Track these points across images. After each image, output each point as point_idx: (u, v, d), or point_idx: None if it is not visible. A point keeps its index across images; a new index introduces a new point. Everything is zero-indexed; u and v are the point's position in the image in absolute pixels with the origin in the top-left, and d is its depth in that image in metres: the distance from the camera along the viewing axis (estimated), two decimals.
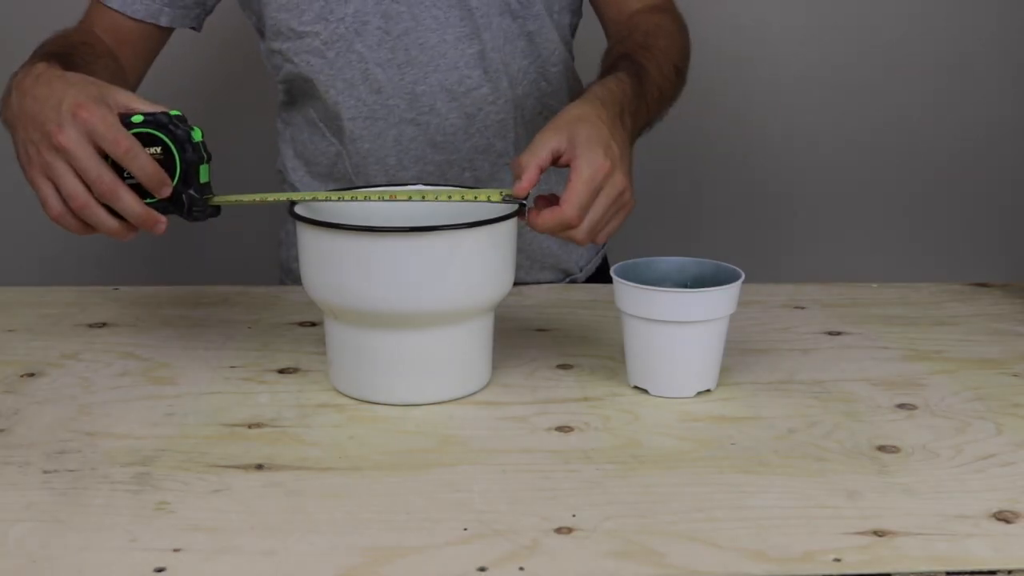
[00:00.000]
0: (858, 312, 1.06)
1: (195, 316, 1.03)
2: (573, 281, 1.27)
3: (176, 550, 0.62)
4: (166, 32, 1.16)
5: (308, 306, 1.06)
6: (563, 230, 0.86)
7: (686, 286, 0.86)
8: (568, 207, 0.85)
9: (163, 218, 0.86)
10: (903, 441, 0.77)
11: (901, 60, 1.76)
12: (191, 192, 0.86)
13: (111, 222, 0.85)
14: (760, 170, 1.80)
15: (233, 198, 0.89)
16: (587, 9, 1.22)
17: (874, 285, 1.14)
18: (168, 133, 0.84)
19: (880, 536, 0.64)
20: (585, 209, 0.86)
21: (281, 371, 0.90)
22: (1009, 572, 0.61)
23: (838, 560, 0.61)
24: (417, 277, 0.78)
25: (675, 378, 0.84)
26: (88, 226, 0.86)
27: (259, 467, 0.73)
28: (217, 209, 0.89)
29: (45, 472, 0.72)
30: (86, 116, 0.83)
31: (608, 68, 1.08)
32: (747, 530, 0.65)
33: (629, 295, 0.83)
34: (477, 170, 1.16)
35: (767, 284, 1.13)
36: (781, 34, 1.75)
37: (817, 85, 1.76)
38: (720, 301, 0.82)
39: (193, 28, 1.17)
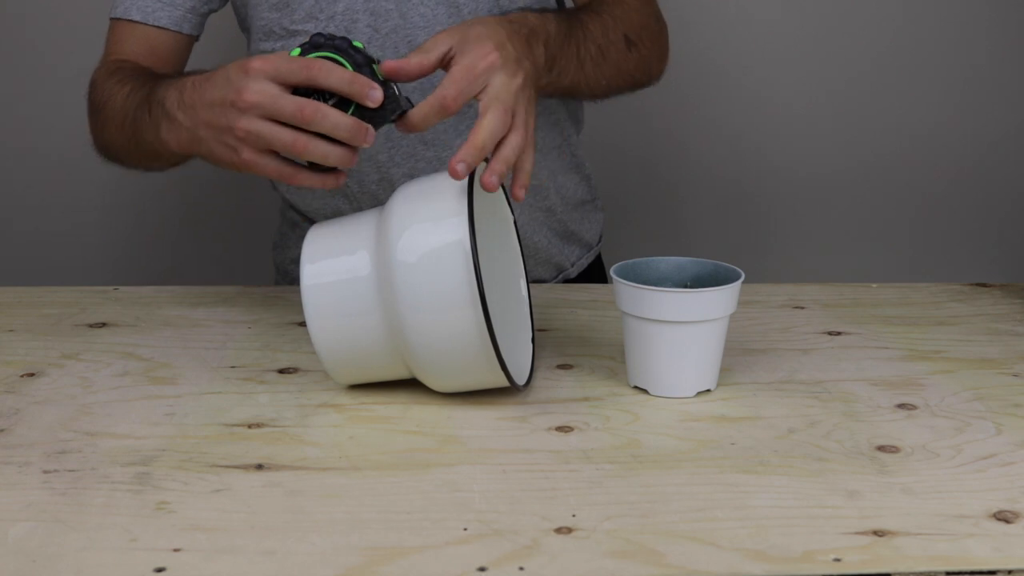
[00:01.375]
0: (858, 312, 1.06)
1: (195, 316, 1.03)
2: (566, 277, 1.27)
3: (176, 550, 0.62)
4: (189, 44, 1.16)
5: None
6: (440, 116, 0.83)
7: (686, 286, 0.87)
8: (443, 88, 0.81)
9: (370, 127, 0.83)
10: (903, 441, 0.77)
11: (901, 60, 1.77)
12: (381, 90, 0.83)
13: (336, 149, 0.83)
14: (760, 170, 1.80)
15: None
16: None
17: (874, 285, 1.14)
18: (329, 48, 0.83)
19: (880, 536, 0.64)
20: (464, 95, 0.82)
21: (281, 371, 0.90)
22: (1009, 572, 0.61)
23: (838, 560, 0.62)
24: None
25: (675, 378, 0.84)
26: (321, 173, 0.85)
27: (259, 467, 0.73)
28: (410, 102, 0.86)
29: (45, 472, 0.72)
30: (258, 65, 0.83)
31: (542, 10, 1.04)
32: (747, 530, 0.65)
33: (629, 295, 0.83)
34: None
35: (767, 284, 1.13)
36: (782, 33, 1.75)
37: (818, 85, 1.76)
38: (720, 301, 0.82)
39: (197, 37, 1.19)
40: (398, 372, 0.83)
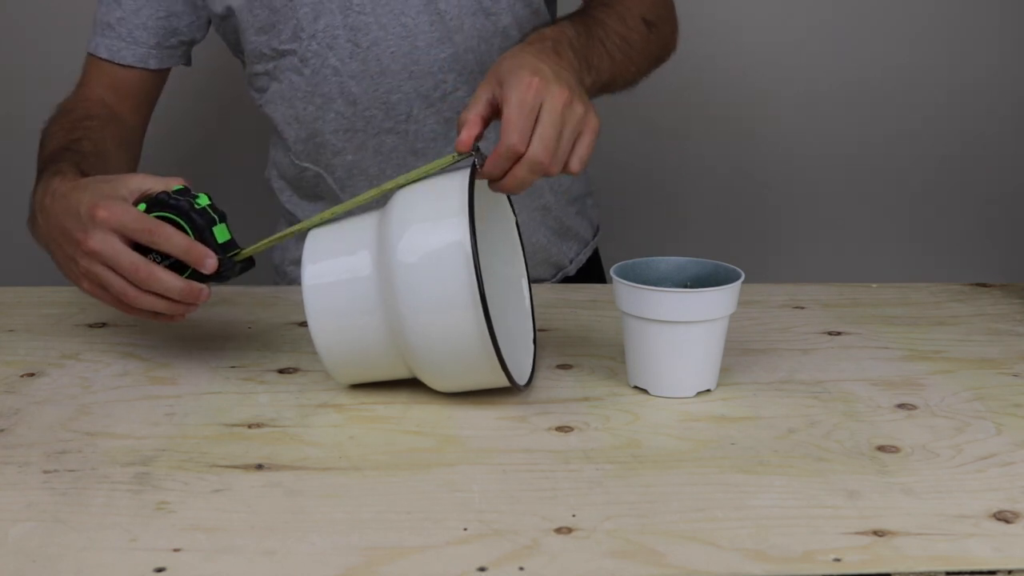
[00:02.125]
0: (858, 312, 1.06)
1: (195, 316, 1.03)
2: (565, 275, 1.27)
3: (176, 550, 0.62)
4: (160, 74, 1.19)
5: None
6: (514, 161, 0.82)
7: (686, 286, 0.87)
8: (506, 136, 0.81)
9: (205, 287, 0.86)
10: (903, 441, 0.77)
11: (902, 60, 1.76)
12: (220, 255, 0.86)
13: (162, 303, 0.86)
14: (760, 170, 1.80)
15: (258, 245, 0.88)
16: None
17: (874, 285, 1.14)
18: (170, 209, 0.86)
19: (880, 536, 0.64)
20: (527, 132, 0.82)
21: (281, 371, 0.90)
22: (1009, 572, 0.61)
23: (838, 560, 0.62)
24: None
25: (675, 378, 0.84)
26: (154, 313, 0.88)
27: (259, 467, 0.73)
28: (250, 261, 0.89)
29: (45, 472, 0.72)
30: (105, 215, 0.85)
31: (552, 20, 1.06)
32: (747, 530, 0.65)
33: (629, 295, 0.83)
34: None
35: (767, 284, 1.13)
36: (782, 34, 1.75)
37: (817, 85, 1.76)
38: (720, 301, 0.82)
39: (184, 64, 1.20)
40: (399, 372, 0.83)
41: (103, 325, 1.01)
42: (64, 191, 0.91)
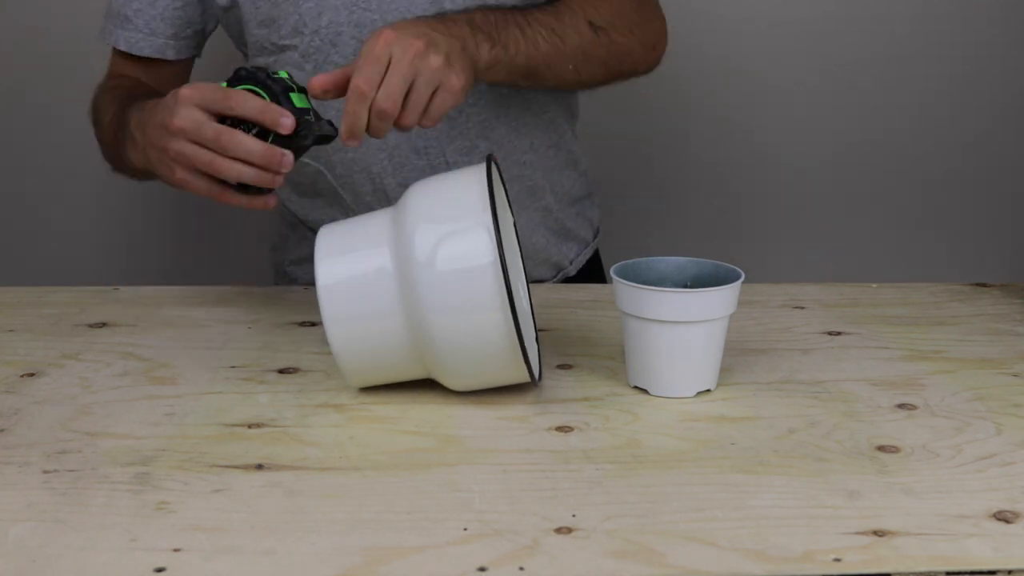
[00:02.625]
0: (858, 312, 1.06)
1: (195, 316, 1.03)
2: (566, 276, 1.27)
3: (176, 550, 0.62)
4: (181, 65, 1.20)
5: (308, 306, 1.06)
6: (361, 105, 0.87)
7: (686, 286, 0.87)
8: (352, 80, 0.87)
9: (287, 152, 0.89)
10: (903, 441, 0.77)
11: (902, 59, 1.76)
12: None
13: (248, 170, 0.89)
14: (760, 170, 1.80)
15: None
16: None
17: (874, 285, 1.14)
18: (247, 80, 0.90)
19: (880, 536, 0.64)
20: (372, 77, 0.87)
21: (281, 371, 0.90)
22: (1009, 572, 0.61)
23: (838, 560, 0.62)
24: None
25: (675, 378, 0.84)
26: (246, 193, 0.92)
27: (259, 467, 0.73)
28: (331, 127, 0.93)
29: (45, 472, 0.72)
30: (187, 92, 0.90)
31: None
32: (747, 530, 0.65)
33: (628, 295, 0.83)
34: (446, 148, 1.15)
35: (767, 284, 1.13)
36: (782, 33, 1.75)
37: (817, 85, 1.76)
38: (720, 301, 0.82)
39: (197, 56, 1.22)
40: (414, 372, 0.82)
41: (103, 325, 1.01)
42: (152, 103, 0.97)
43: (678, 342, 0.82)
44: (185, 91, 0.90)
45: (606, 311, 1.05)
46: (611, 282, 0.85)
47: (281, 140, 0.89)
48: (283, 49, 1.12)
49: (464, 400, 0.83)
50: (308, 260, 1.25)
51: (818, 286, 1.14)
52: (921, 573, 0.61)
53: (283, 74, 0.91)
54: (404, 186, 1.13)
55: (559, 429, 0.79)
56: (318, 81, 0.90)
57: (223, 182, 0.92)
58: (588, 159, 1.30)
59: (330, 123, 0.93)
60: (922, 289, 1.13)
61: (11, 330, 1.00)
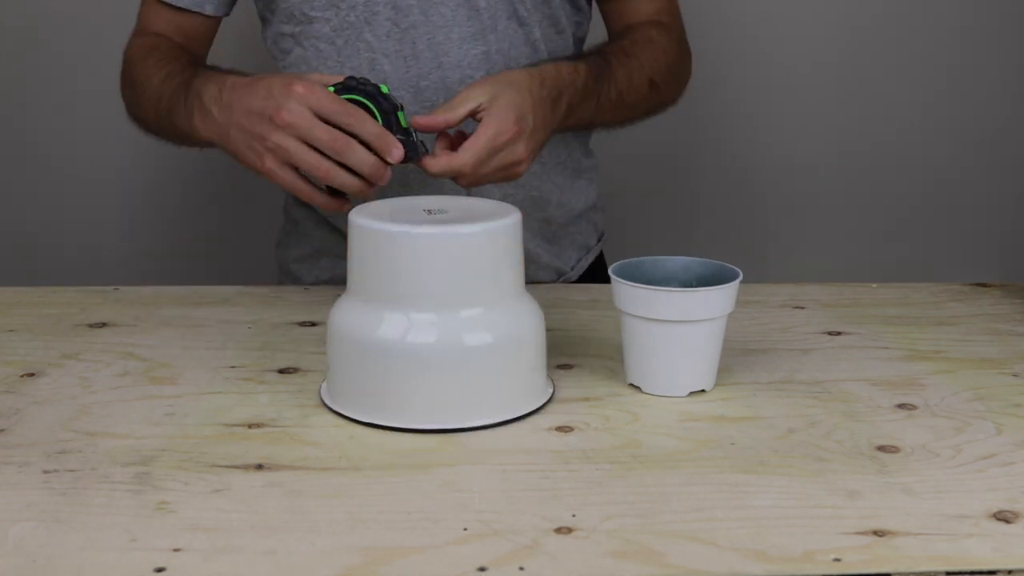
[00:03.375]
0: (858, 312, 1.06)
1: (195, 316, 1.03)
2: (566, 280, 1.27)
3: (176, 550, 0.62)
4: (212, 22, 1.19)
5: (308, 306, 1.06)
6: (450, 173, 0.93)
7: (690, 286, 0.86)
8: (465, 156, 0.92)
9: (389, 169, 0.92)
10: (903, 441, 0.77)
11: (902, 59, 1.76)
12: (402, 138, 0.93)
13: (352, 180, 0.92)
14: (761, 170, 1.80)
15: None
16: (597, 20, 1.23)
17: (874, 285, 1.14)
18: (360, 93, 0.92)
19: (880, 536, 0.64)
20: (479, 165, 0.93)
21: (281, 371, 0.90)
22: (1009, 572, 0.61)
23: (838, 560, 0.62)
24: None
25: (669, 377, 0.84)
26: (333, 196, 0.95)
27: (259, 467, 0.73)
28: (425, 147, 0.96)
29: (45, 472, 0.72)
30: (303, 91, 0.91)
31: (577, 55, 1.10)
32: (747, 530, 0.65)
33: (626, 293, 0.83)
34: None
35: (767, 284, 1.13)
36: (782, 33, 1.75)
37: (817, 84, 1.76)
38: (717, 301, 0.82)
39: (226, 15, 1.20)
40: None
41: (103, 325, 1.01)
42: (246, 81, 0.97)
43: (673, 341, 0.82)
44: (299, 88, 0.91)
45: (606, 311, 1.05)
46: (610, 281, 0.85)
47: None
48: (312, 20, 1.11)
49: None
50: (310, 257, 1.25)
51: (818, 286, 1.14)
52: (921, 573, 0.61)
53: (385, 89, 0.93)
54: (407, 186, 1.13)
55: (559, 429, 0.79)
56: (422, 122, 0.94)
57: (307, 179, 0.94)
58: (600, 168, 1.30)
59: (423, 144, 0.96)
60: (922, 289, 1.13)
61: (11, 330, 1.00)
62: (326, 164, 0.91)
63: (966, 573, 0.61)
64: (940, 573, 0.61)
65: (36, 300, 1.08)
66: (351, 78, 0.93)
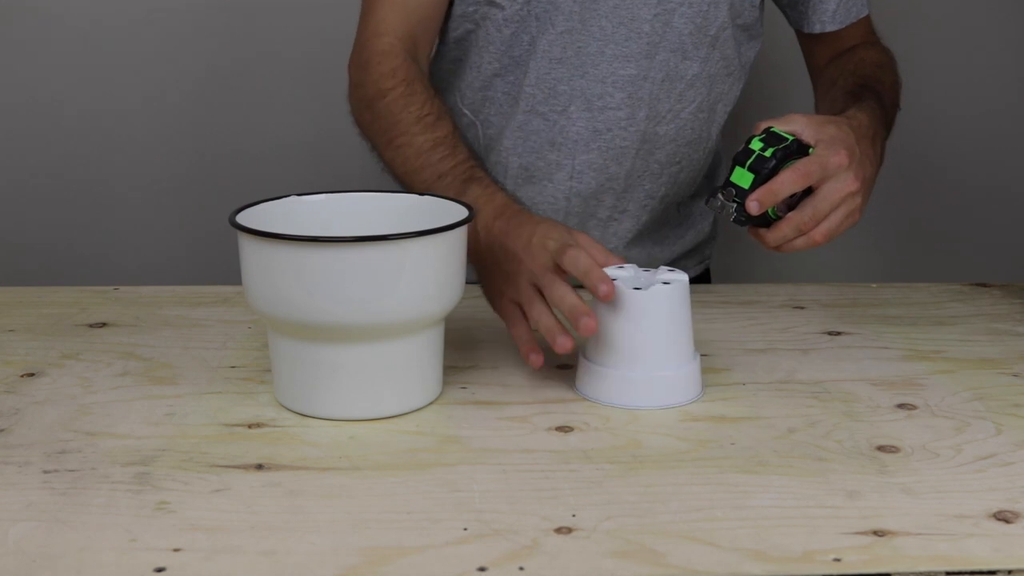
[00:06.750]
0: (858, 312, 1.06)
1: (195, 316, 1.03)
2: None
3: (176, 550, 0.62)
4: (444, 8, 1.13)
5: None
6: (794, 231, 0.94)
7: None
8: (802, 212, 0.93)
9: (593, 319, 0.82)
10: (903, 441, 0.77)
11: (902, 59, 1.76)
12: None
13: (564, 339, 0.83)
14: None
15: None
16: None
17: (874, 285, 1.14)
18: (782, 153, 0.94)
19: (880, 536, 0.64)
20: (820, 220, 0.93)
21: None
22: (1009, 572, 0.61)
23: (838, 560, 0.62)
24: (361, 290, 0.75)
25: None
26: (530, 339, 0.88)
27: (259, 467, 0.73)
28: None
29: (45, 472, 0.72)
30: (575, 257, 0.83)
31: (852, 94, 1.12)
32: (747, 530, 0.65)
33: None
34: (583, 183, 1.16)
35: (767, 284, 1.13)
36: (782, 33, 1.75)
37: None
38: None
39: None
40: None
41: (103, 325, 1.01)
42: (515, 224, 0.90)
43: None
44: (571, 253, 0.84)
45: None
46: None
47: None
48: (491, 3, 1.10)
49: (464, 400, 0.84)
50: None
51: (818, 286, 1.14)
52: (921, 573, 0.61)
53: (767, 152, 0.94)
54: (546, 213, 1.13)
55: (559, 429, 0.79)
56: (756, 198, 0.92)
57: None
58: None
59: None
60: (922, 289, 1.13)
61: (11, 330, 1.00)
62: (556, 327, 0.84)
63: (966, 573, 0.61)
64: (940, 573, 0.61)
65: (36, 300, 1.08)
66: (773, 134, 0.95)
